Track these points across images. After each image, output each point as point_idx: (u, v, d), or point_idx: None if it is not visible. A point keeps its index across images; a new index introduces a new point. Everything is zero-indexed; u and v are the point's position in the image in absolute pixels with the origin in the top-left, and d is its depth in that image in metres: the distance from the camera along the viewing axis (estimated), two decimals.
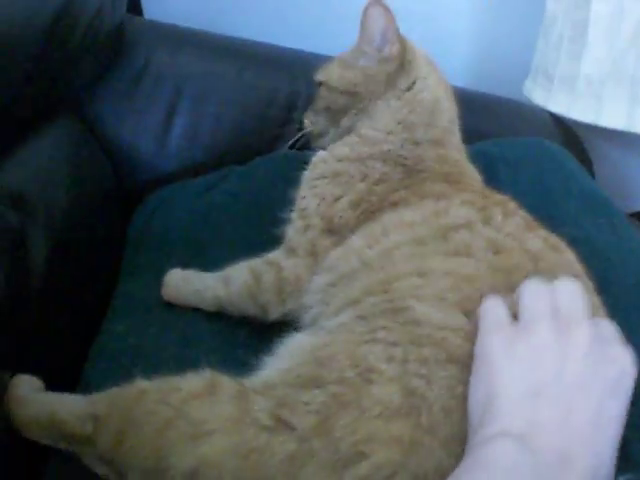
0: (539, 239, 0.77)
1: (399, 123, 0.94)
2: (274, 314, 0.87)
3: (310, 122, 1.06)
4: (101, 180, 1.21)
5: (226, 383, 0.66)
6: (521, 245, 0.75)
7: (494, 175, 0.96)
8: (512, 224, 0.79)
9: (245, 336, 0.88)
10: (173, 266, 0.96)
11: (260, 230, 0.98)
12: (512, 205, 0.84)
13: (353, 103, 0.98)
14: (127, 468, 0.64)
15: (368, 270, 0.77)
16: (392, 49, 0.95)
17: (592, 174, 1.44)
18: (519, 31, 1.65)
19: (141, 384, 0.68)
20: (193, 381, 0.66)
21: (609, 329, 0.62)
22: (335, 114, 1.00)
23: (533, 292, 0.64)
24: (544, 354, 0.59)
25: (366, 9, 0.93)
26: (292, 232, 0.91)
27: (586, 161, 1.47)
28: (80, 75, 1.22)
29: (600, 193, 1.10)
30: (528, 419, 0.55)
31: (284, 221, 0.93)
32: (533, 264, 0.73)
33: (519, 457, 0.53)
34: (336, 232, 0.87)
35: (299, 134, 1.09)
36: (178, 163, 1.30)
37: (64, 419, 0.69)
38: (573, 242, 0.95)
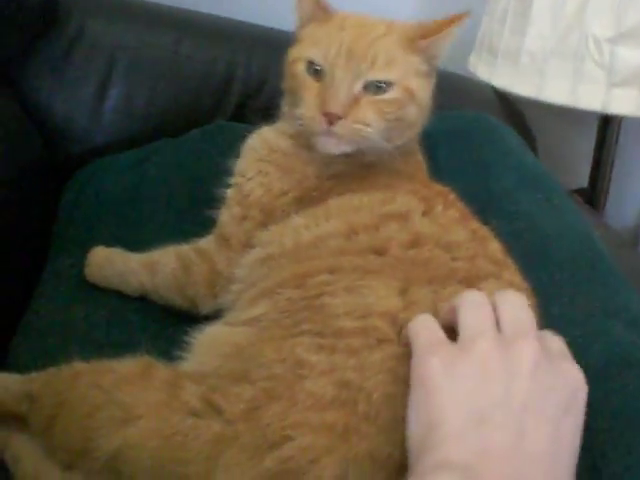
0: (466, 231, 0.76)
1: None
2: (205, 309, 0.84)
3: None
4: (31, 153, 1.17)
5: (161, 369, 0.65)
6: (445, 236, 0.74)
7: (434, 150, 0.95)
8: (448, 216, 0.77)
9: (174, 314, 0.86)
10: (103, 242, 0.93)
11: (193, 203, 0.96)
12: (452, 197, 0.82)
13: None
14: (56, 448, 0.64)
15: (293, 258, 0.75)
16: None
17: (535, 150, 1.45)
18: (466, 5, 1.64)
19: (77, 366, 0.68)
20: (128, 365, 0.66)
21: (557, 343, 0.59)
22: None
23: (471, 306, 0.59)
24: (488, 374, 0.53)
25: None
26: (227, 217, 0.86)
27: (529, 137, 1.47)
28: (9, 44, 1.18)
29: (539, 168, 1.10)
30: (474, 448, 0.50)
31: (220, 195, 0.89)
32: (449, 255, 0.72)
33: None
34: (273, 222, 0.82)
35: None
36: (113, 135, 1.27)
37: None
38: (510, 217, 0.95)
